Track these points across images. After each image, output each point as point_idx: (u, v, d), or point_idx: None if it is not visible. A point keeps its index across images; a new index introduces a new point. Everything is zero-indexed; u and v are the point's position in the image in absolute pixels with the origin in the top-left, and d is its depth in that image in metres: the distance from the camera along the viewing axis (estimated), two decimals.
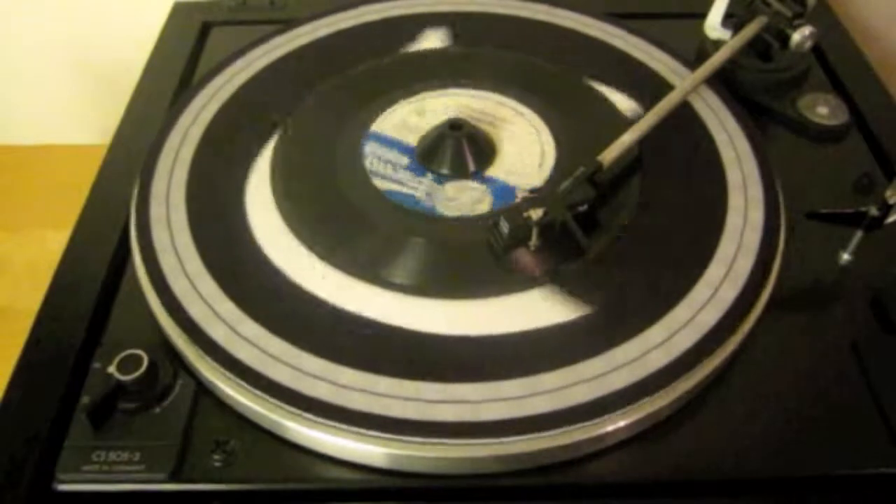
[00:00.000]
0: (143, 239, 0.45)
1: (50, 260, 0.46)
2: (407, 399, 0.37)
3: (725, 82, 0.55)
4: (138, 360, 0.39)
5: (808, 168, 0.51)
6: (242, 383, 0.38)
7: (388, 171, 0.49)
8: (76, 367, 0.41)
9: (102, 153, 0.53)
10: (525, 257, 0.43)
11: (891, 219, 0.42)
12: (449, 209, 0.46)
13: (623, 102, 0.53)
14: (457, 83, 0.55)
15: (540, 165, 0.49)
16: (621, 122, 0.50)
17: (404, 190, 0.47)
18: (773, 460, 0.37)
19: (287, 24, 0.61)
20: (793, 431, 0.38)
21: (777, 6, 0.53)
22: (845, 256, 0.44)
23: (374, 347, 0.40)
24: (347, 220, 0.46)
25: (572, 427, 0.37)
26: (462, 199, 0.47)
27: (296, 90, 0.54)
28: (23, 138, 0.82)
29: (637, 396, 0.37)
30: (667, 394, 0.38)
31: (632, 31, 0.59)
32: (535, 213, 0.42)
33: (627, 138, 0.47)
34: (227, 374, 0.39)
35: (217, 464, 0.37)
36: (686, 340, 0.40)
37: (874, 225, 0.42)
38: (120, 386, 0.38)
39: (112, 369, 0.38)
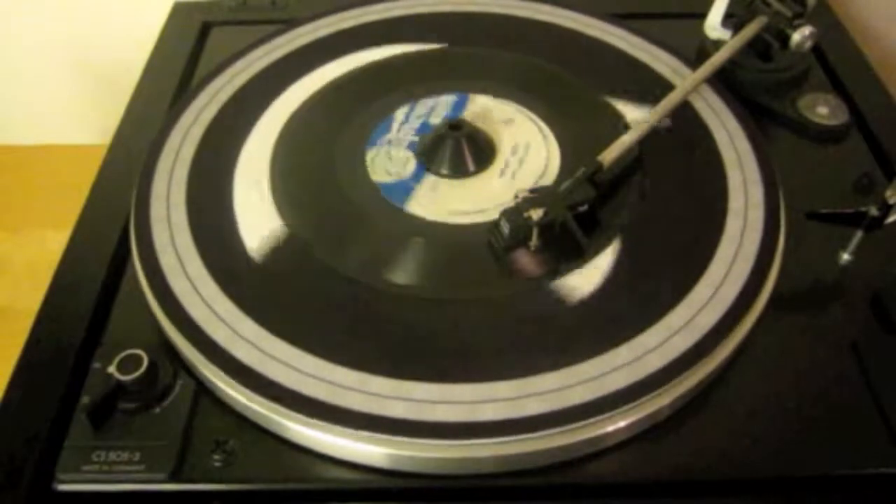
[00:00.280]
0: (143, 239, 0.45)
1: (50, 260, 0.46)
2: (406, 399, 0.37)
3: (725, 82, 0.55)
4: (138, 360, 0.39)
5: (808, 168, 0.51)
6: (242, 383, 0.38)
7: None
8: (76, 367, 0.41)
9: (102, 153, 0.53)
10: (525, 257, 0.43)
11: (891, 219, 0.42)
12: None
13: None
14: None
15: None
16: (621, 123, 0.50)
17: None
18: (773, 460, 0.37)
19: (287, 24, 0.61)
20: (793, 431, 0.38)
21: (777, 6, 0.53)
22: (845, 256, 0.44)
23: (374, 348, 0.40)
24: (347, 221, 0.46)
25: (572, 427, 0.37)
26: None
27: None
28: (23, 138, 0.82)
29: (637, 396, 0.37)
30: (666, 394, 0.38)
31: (632, 31, 0.59)
32: (536, 213, 0.42)
33: (627, 138, 0.47)
34: (227, 374, 0.39)
35: (217, 464, 0.37)
36: (686, 340, 0.40)
37: (874, 225, 0.42)
38: (120, 386, 0.38)
39: (112, 369, 0.38)
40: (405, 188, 0.48)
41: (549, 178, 0.48)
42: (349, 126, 0.52)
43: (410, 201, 0.47)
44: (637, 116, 0.49)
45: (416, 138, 0.51)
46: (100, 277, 0.45)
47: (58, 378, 0.40)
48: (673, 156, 0.50)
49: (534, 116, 0.52)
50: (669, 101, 0.49)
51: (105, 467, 0.37)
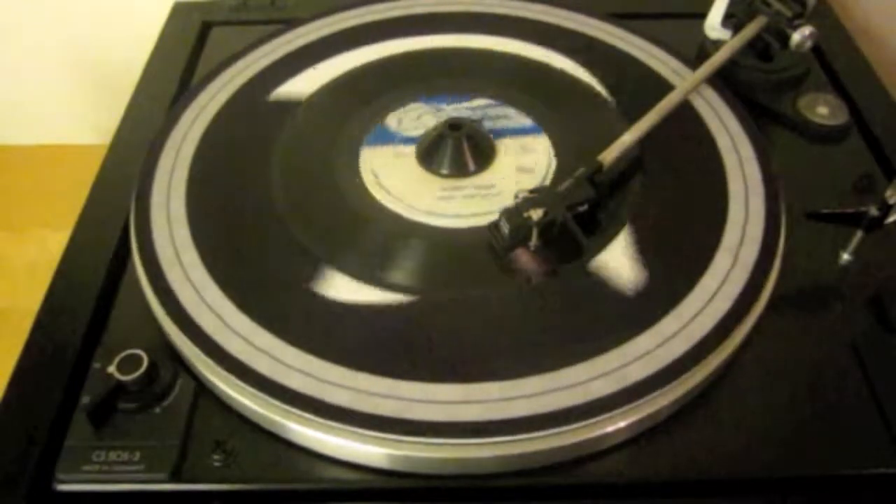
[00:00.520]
0: (143, 239, 0.45)
1: (50, 260, 0.46)
2: (407, 399, 0.37)
3: (725, 82, 0.55)
4: (138, 360, 0.39)
5: (808, 168, 0.51)
6: (242, 383, 0.38)
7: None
8: (76, 367, 0.41)
9: (102, 153, 0.53)
10: (525, 257, 0.43)
11: (891, 219, 0.42)
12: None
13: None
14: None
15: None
16: (621, 122, 0.50)
17: None
18: (773, 460, 0.37)
19: (287, 25, 0.61)
20: (793, 431, 0.38)
21: (777, 6, 0.53)
22: (845, 256, 0.44)
23: (374, 348, 0.40)
24: (347, 221, 0.46)
25: (572, 427, 0.37)
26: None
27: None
28: (23, 138, 0.82)
29: (637, 397, 0.37)
30: (667, 394, 0.38)
31: (632, 31, 0.59)
32: (535, 213, 0.42)
33: (627, 138, 0.47)
34: (227, 374, 0.39)
35: (217, 464, 0.37)
36: (686, 341, 0.40)
37: (874, 225, 0.42)
38: (120, 386, 0.38)
39: (112, 369, 0.38)
40: None
41: (548, 178, 0.48)
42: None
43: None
44: (637, 116, 0.49)
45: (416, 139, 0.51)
46: (100, 277, 0.45)
47: (58, 378, 0.40)
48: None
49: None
50: (669, 101, 0.49)
51: (105, 467, 0.37)
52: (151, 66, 0.61)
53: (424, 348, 0.40)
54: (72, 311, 0.44)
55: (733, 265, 0.43)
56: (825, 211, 0.45)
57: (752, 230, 0.45)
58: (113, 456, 0.37)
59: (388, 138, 0.51)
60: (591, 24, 0.60)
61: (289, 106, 0.53)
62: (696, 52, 0.59)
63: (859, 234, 0.43)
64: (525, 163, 0.49)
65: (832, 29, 0.62)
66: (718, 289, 0.42)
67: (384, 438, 0.36)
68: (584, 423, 0.37)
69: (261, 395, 0.38)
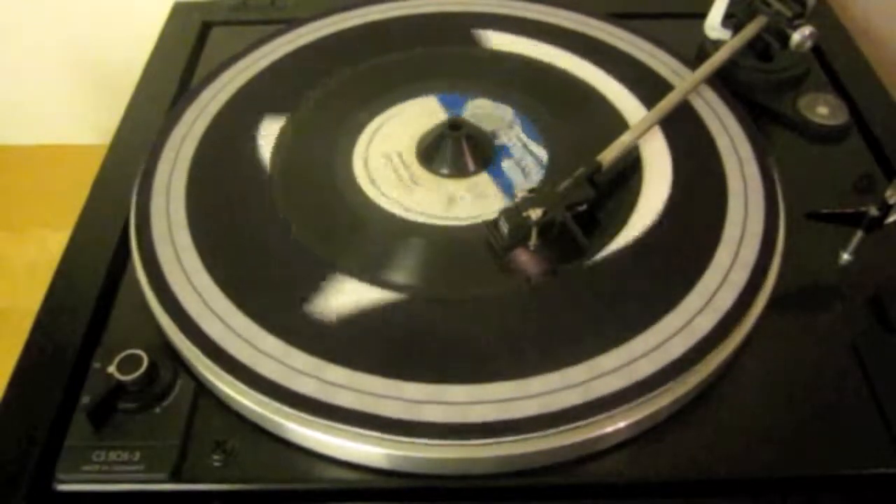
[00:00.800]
0: (143, 239, 0.45)
1: (50, 260, 0.46)
2: (406, 399, 0.37)
3: (725, 82, 0.55)
4: (138, 360, 0.39)
5: (808, 168, 0.51)
6: (242, 383, 0.38)
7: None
8: (76, 367, 0.41)
9: (102, 153, 0.53)
10: (524, 257, 0.43)
11: (891, 219, 0.42)
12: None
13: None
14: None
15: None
16: (621, 122, 0.50)
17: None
18: (773, 460, 0.37)
19: (288, 25, 0.61)
20: (793, 431, 0.38)
21: (777, 6, 0.53)
22: (845, 256, 0.44)
23: (374, 348, 0.40)
24: (348, 221, 0.46)
25: (572, 427, 0.37)
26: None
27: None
28: (23, 138, 0.82)
29: (637, 397, 0.37)
30: (666, 394, 0.38)
31: (632, 31, 0.59)
32: (535, 213, 0.42)
33: (627, 138, 0.47)
34: (227, 374, 0.39)
35: (217, 464, 0.37)
36: (686, 340, 0.40)
37: (874, 225, 0.42)
38: (120, 386, 0.38)
39: (112, 369, 0.38)
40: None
41: (547, 178, 0.48)
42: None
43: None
44: (637, 117, 0.49)
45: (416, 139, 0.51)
46: (100, 277, 0.45)
47: (58, 378, 0.40)
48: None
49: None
50: (669, 101, 0.49)
51: (105, 467, 0.37)
52: (151, 66, 0.61)
53: (424, 348, 0.40)
54: (72, 311, 0.44)
55: (733, 265, 0.43)
56: (825, 211, 0.45)
57: (751, 230, 0.45)
58: (113, 456, 0.37)
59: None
60: (591, 24, 0.60)
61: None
62: (696, 52, 0.59)
63: (859, 234, 0.43)
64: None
65: (832, 29, 0.62)
66: (718, 289, 0.42)
67: (384, 438, 0.36)
68: (583, 423, 0.37)
69: (260, 395, 0.38)
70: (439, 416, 0.37)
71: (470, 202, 0.47)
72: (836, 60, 0.59)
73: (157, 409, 0.39)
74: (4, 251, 0.70)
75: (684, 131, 0.51)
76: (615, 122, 0.51)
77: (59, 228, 0.49)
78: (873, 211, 0.42)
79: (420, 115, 0.52)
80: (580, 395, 0.37)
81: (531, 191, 0.44)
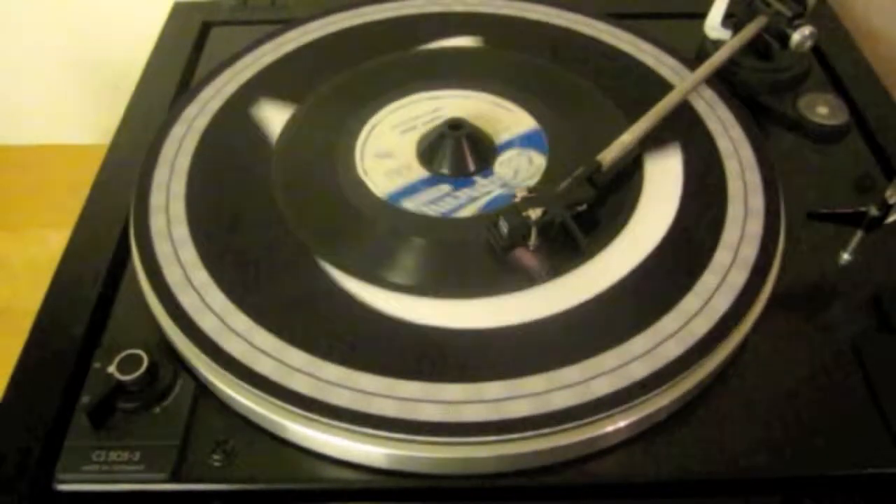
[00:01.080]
0: (143, 238, 0.45)
1: (50, 260, 0.46)
2: (407, 399, 0.37)
3: (725, 82, 0.55)
4: (138, 360, 0.39)
5: (808, 168, 0.51)
6: (242, 383, 0.38)
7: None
8: (76, 367, 0.41)
9: (102, 153, 0.53)
10: (524, 257, 0.43)
11: (891, 219, 0.42)
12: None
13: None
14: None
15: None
16: (621, 122, 0.50)
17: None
18: (773, 460, 0.37)
19: (287, 24, 0.61)
20: (793, 431, 0.38)
21: (777, 6, 0.53)
22: (845, 256, 0.44)
23: (373, 348, 0.40)
24: (348, 220, 0.46)
25: (572, 427, 0.37)
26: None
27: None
28: (23, 138, 0.82)
29: (636, 396, 0.37)
30: (666, 394, 0.38)
31: (632, 30, 0.59)
32: (535, 213, 0.42)
33: (627, 138, 0.47)
34: (227, 374, 0.39)
35: (217, 464, 0.37)
36: (686, 340, 0.40)
37: (874, 225, 0.42)
38: (120, 386, 0.38)
39: (112, 369, 0.38)
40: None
41: (546, 178, 0.48)
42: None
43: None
44: (636, 116, 0.49)
45: (416, 139, 0.51)
46: (100, 277, 0.45)
47: (58, 378, 0.40)
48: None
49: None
50: (669, 100, 0.49)
51: (105, 467, 0.37)
52: (151, 66, 0.61)
53: (424, 348, 0.40)
54: (72, 311, 0.44)
55: (732, 265, 0.43)
56: (825, 211, 0.45)
57: (751, 229, 0.45)
58: (113, 456, 0.37)
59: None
60: (591, 24, 0.60)
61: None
62: (696, 52, 0.59)
63: (859, 234, 0.43)
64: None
65: (832, 29, 0.62)
66: (718, 288, 0.42)
67: (384, 438, 0.36)
68: (583, 422, 0.37)
69: (261, 395, 0.38)
70: (438, 415, 0.37)
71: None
72: (836, 60, 0.59)
73: (157, 409, 0.39)
74: (4, 251, 0.70)
75: (684, 131, 0.51)
76: (615, 122, 0.51)
77: (59, 228, 0.49)
78: (873, 211, 0.42)
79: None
80: (580, 395, 0.37)
81: (531, 191, 0.44)
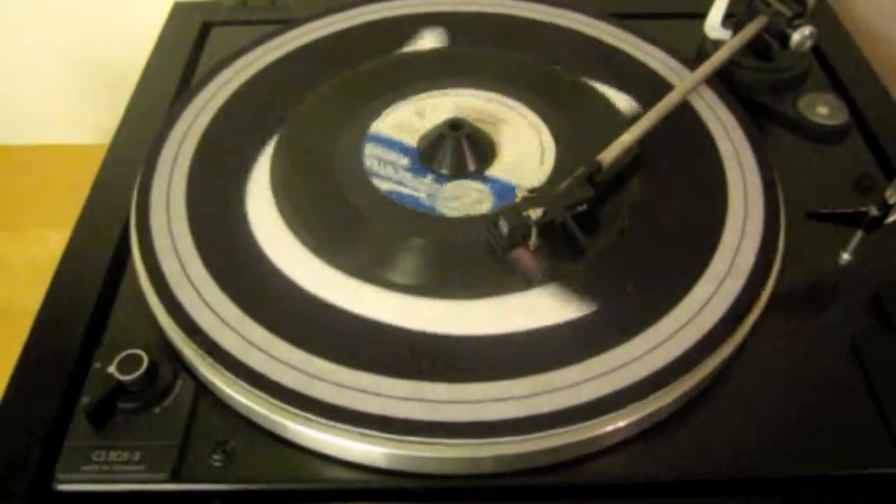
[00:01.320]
0: (143, 239, 0.45)
1: (50, 260, 0.46)
2: (407, 399, 0.37)
3: (725, 82, 0.55)
4: (138, 360, 0.39)
5: (808, 168, 0.51)
6: (242, 383, 0.38)
7: (388, 171, 0.49)
8: (76, 367, 0.41)
9: (102, 153, 0.53)
10: (524, 257, 0.43)
11: (891, 219, 0.42)
12: (450, 210, 0.46)
13: (623, 102, 0.53)
14: (457, 83, 0.55)
15: (540, 165, 0.49)
16: (621, 122, 0.50)
17: (405, 190, 0.47)
18: (773, 460, 0.37)
19: (287, 24, 0.61)
20: (793, 431, 0.38)
21: (777, 6, 0.53)
22: (845, 256, 0.44)
23: (373, 348, 0.40)
24: (348, 221, 0.46)
25: (572, 427, 0.37)
26: (463, 199, 0.47)
27: (296, 90, 0.55)
28: (23, 138, 0.82)
29: (636, 397, 0.37)
30: (667, 394, 0.38)
31: (632, 31, 0.59)
32: (535, 213, 0.42)
33: (627, 138, 0.47)
34: (227, 374, 0.39)
35: (217, 464, 0.37)
36: (686, 341, 0.40)
37: (874, 225, 0.42)
38: (120, 386, 0.38)
39: (112, 369, 0.38)
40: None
41: (547, 178, 0.48)
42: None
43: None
44: (636, 116, 0.49)
45: (416, 139, 0.51)
46: (100, 277, 0.45)
47: (58, 378, 0.40)
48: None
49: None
50: (669, 100, 0.49)
51: (105, 467, 0.37)
52: (151, 66, 0.61)
53: (426, 348, 0.40)
54: (72, 311, 0.44)
55: (733, 265, 0.43)
56: (825, 211, 0.45)
57: (751, 230, 0.45)
58: (113, 456, 0.37)
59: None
60: (591, 24, 0.60)
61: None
62: (696, 52, 0.59)
63: (859, 234, 0.43)
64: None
65: (832, 29, 0.62)
66: (718, 289, 0.42)
67: (384, 438, 0.36)
68: (583, 423, 0.37)
69: (261, 395, 0.38)
70: (440, 415, 0.37)
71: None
72: (836, 60, 0.59)
73: (157, 409, 0.39)
74: (4, 251, 0.70)
75: (684, 131, 0.51)
76: (615, 122, 0.51)
77: (59, 228, 0.49)
78: (873, 211, 0.42)
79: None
80: (580, 396, 0.37)
81: (531, 191, 0.44)
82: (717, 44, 0.56)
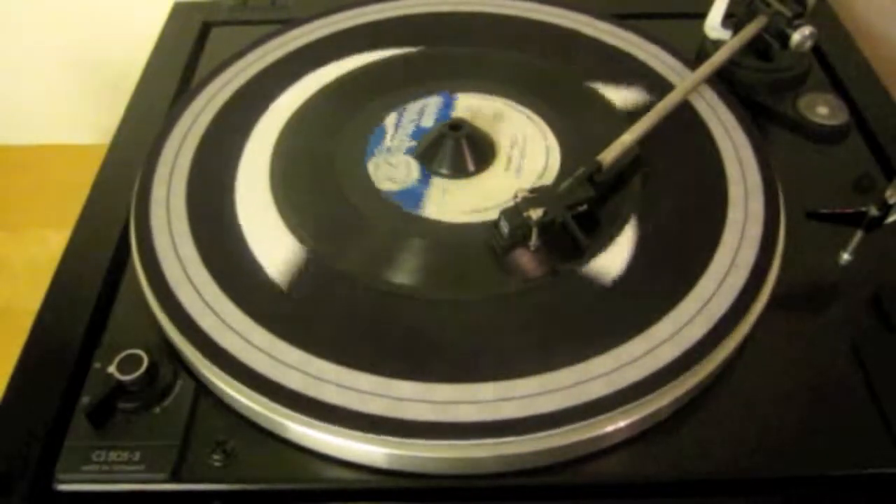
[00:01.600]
0: (143, 238, 0.45)
1: (50, 260, 0.46)
2: (407, 399, 0.37)
3: (725, 82, 0.55)
4: (138, 360, 0.39)
5: (808, 168, 0.51)
6: (242, 384, 0.38)
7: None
8: (76, 367, 0.41)
9: (102, 153, 0.53)
10: (525, 257, 0.43)
11: (891, 219, 0.42)
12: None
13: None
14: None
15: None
16: (621, 122, 0.50)
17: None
18: (773, 460, 0.37)
19: (287, 25, 0.61)
20: (793, 431, 0.38)
21: (777, 6, 0.53)
22: (845, 256, 0.44)
23: (373, 348, 0.40)
24: (347, 221, 0.46)
25: (572, 427, 0.37)
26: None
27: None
28: (23, 138, 0.82)
29: (637, 396, 0.37)
30: (667, 394, 0.38)
31: (633, 31, 0.59)
32: (535, 213, 0.42)
33: (627, 138, 0.47)
34: (227, 374, 0.39)
35: (217, 464, 0.37)
36: (686, 341, 0.40)
37: (874, 225, 0.42)
38: (120, 386, 0.38)
39: (112, 369, 0.38)
40: (415, 194, 0.47)
41: (549, 177, 0.48)
42: (350, 126, 0.52)
43: (425, 206, 0.47)
44: (637, 116, 0.49)
45: (413, 142, 0.51)
46: (100, 277, 0.45)
47: (58, 378, 0.40)
48: (673, 156, 0.50)
49: (534, 116, 0.52)
50: (669, 100, 0.49)
51: (105, 467, 0.37)
52: (151, 66, 0.61)
53: (425, 348, 0.40)
54: (72, 311, 0.44)
55: (732, 265, 0.43)
56: (825, 211, 0.45)
57: (751, 230, 0.45)
58: (113, 456, 0.37)
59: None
60: (591, 24, 0.60)
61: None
62: (696, 52, 0.59)
63: (859, 234, 0.43)
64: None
65: (832, 29, 0.62)
66: (718, 289, 0.42)
67: (384, 439, 0.36)
68: (583, 423, 0.37)
69: (260, 395, 0.38)
70: (440, 415, 0.37)
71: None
72: (836, 60, 0.59)
73: (157, 409, 0.39)
74: (4, 251, 0.70)
75: (684, 131, 0.51)
76: (615, 122, 0.51)
77: (60, 228, 0.49)
78: (873, 211, 0.42)
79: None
80: (580, 396, 0.37)
81: (531, 191, 0.44)
82: (717, 44, 0.56)
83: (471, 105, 0.53)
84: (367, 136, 0.51)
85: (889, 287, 0.44)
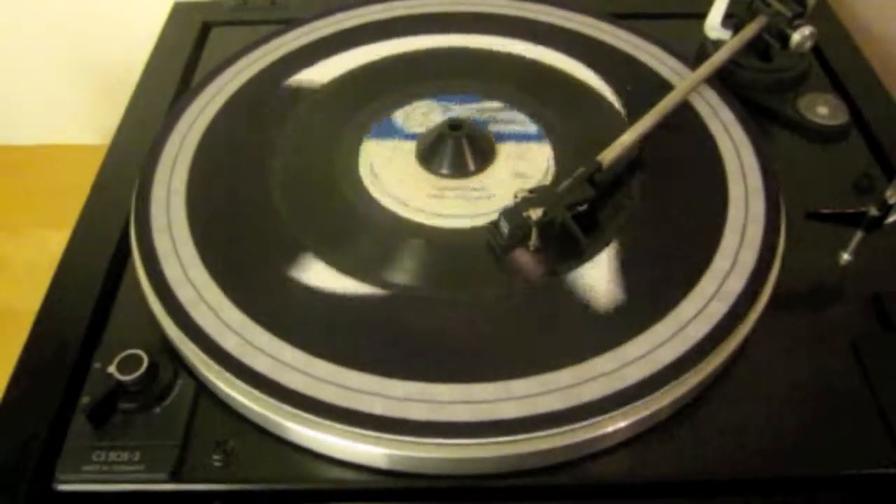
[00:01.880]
0: (143, 238, 0.45)
1: (50, 260, 0.46)
2: (407, 399, 0.37)
3: (725, 82, 0.55)
4: (138, 360, 0.39)
5: (808, 168, 0.51)
6: (242, 383, 0.38)
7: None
8: (76, 367, 0.41)
9: (102, 153, 0.53)
10: (524, 257, 0.43)
11: (891, 219, 0.42)
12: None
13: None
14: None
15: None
16: (621, 122, 0.50)
17: None
18: (773, 460, 0.37)
19: (287, 25, 0.61)
20: (793, 431, 0.38)
21: (777, 6, 0.53)
22: (845, 256, 0.44)
23: (374, 348, 0.40)
24: (348, 220, 0.46)
25: (572, 427, 0.37)
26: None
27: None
28: (23, 138, 0.82)
29: (637, 397, 0.37)
30: (667, 394, 0.38)
31: (632, 31, 0.59)
32: (535, 213, 0.42)
33: (627, 138, 0.47)
34: (227, 374, 0.39)
35: (217, 464, 0.37)
36: (686, 341, 0.39)
37: (874, 225, 0.42)
38: (120, 386, 0.38)
39: (112, 369, 0.38)
40: None
41: (548, 177, 0.48)
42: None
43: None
44: (636, 116, 0.49)
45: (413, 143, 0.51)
46: (100, 277, 0.45)
47: (58, 378, 0.40)
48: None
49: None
50: (669, 100, 0.49)
51: (105, 467, 0.37)
52: (151, 66, 0.61)
53: (426, 349, 0.40)
54: (72, 311, 0.44)
55: (733, 265, 0.43)
56: (825, 211, 0.45)
57: (751, 230, 0.45)
58: (113, 456, 0.37)
59: (391, 134, 0.51)
60: (591, 24, 0.60)
61: (290, 104, 0.54)
62: (696, 52, 0.59)
63: (859, 234, 0.43)
64: (525, 164, 0.49)
65: (832, 29, 0.62)
66: (718, 289, 0.42)
67: (384, 438, 0.36)
68: (583, 423, 0.37)
69: (260, 395, 0.38)
70: (440, 415, 0.37)
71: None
72: (836, 60, 0.59)
73: (157, 409, 0.39)
74: (4, 251, 0.70)
75: (684, 131, 0.51)
76: (615, 122, 0.51)
77: (60, 228, 0.49)
78: (873, 211, 0.42)
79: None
80: (580, 396, 0.37)
81: (531, 191, 0.44)
82: (717, 44, 0.56)
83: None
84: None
85: (889, 287, 0.44)
